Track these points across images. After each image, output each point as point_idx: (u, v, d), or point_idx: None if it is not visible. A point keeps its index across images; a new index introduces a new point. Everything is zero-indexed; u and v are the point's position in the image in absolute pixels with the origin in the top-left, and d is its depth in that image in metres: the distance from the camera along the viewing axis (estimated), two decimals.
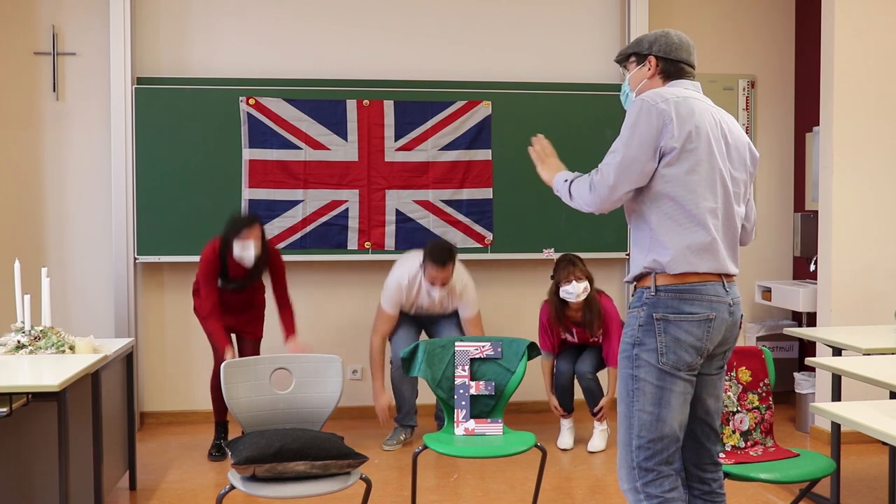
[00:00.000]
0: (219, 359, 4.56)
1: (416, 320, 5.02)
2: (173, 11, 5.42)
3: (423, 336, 5.09)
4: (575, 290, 4.69)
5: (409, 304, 4.90)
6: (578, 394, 4.98)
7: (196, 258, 5.20)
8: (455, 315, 5.00)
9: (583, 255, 5.01)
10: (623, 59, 2.85)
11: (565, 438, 4.96)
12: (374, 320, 4.97)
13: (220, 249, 4.56)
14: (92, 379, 3.70)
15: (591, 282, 4.78)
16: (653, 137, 2.62)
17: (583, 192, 2.78)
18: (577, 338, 4.90)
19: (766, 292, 5.74)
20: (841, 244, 5.01)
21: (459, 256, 5.06)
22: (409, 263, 4.88)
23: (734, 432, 3.40)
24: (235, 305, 4.72)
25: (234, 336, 4.76)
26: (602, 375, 4.94)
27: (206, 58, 5.44)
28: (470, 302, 4.92)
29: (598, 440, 4.93)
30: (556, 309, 4.82)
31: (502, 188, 5.51)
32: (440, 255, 4.68)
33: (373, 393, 4.93)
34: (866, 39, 5.00)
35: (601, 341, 4.88)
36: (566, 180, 2.87)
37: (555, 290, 4.80)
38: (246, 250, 4.50)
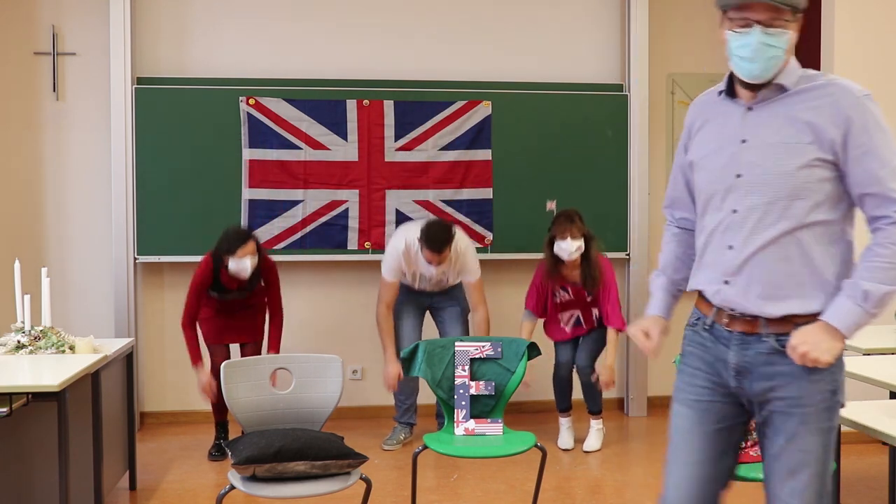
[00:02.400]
0: (217, 360, 4.57)
1: (420, 306, 4.99)
2: (173, 11, 5.42)
3: (428, 322, 5.08)
4: (568, 248, 4.63)
5: (410, 273, 4.85)
6: (577, 393, 4.99)
7: (196, 258, 5.21)
8: (459, 304, 4.98)
9: None
10: (787, 6, 2.06)
11: (565, 438, 4.95)
12: (378, 291, 4.92)
13: (213, 264, 4.54)
14: (92, 379, 3.70)
15: (589, 240, 4.69)
16: None
17: None
18: (571, 294, 4.82)
19: None
20: None
21: None
22: (409, 232, 4.82)
23: None
24: (235, 307, 4.71)
25: (234, 346, 4.77)
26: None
27: (206, 58, 5.44)
28: (469, 268, 4.84)
29: (593, 440, 4.92)
30: (549, 263, 4.75)
31: (502, 188, 5.51)
32: (436, 241, 4.58)
33: (384, 361, 4.89)
34: (866, 40, 5.00)
35: (596, 297, 4.81)
36: (866, 285, 2.05)
37: (549, 244, 4.73)
38: (241, 267, 4.47)
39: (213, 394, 4.58)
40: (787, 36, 2.07)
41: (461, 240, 4.81)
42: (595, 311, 4.86)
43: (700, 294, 2.29)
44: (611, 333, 4.81)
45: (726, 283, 2.16)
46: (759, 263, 2.12)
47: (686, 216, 2.44)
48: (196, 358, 4.57)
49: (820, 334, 2.05)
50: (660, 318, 2.47)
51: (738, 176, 2.14)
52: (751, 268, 2.13)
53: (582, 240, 4.66)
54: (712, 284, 2.21)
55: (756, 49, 2.06)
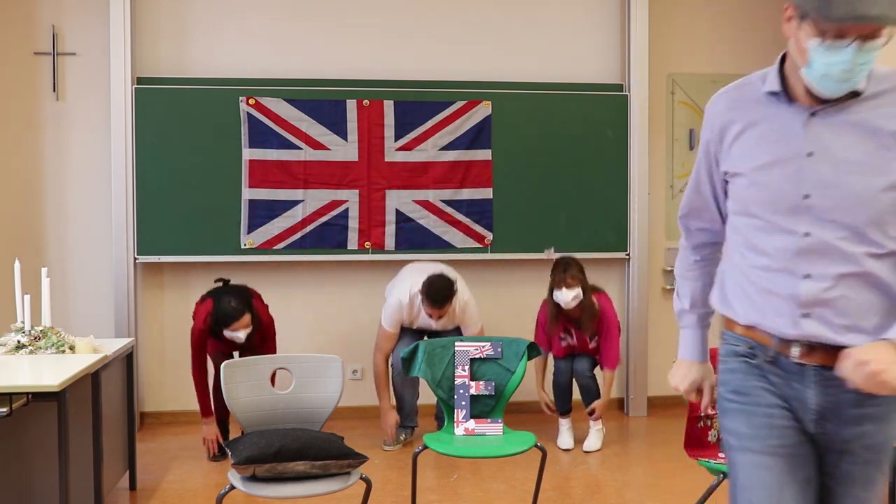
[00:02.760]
0: (217, 361, 4.57)
1: (418, 330, 5.01)
2: (173, 11, 5.42)
3: None
4: (564, 298, 4.72)
5: (410, 321, 4.89)
6: (576, 393, 4.99)
7: (196, 258, 5.22)
8: (457, 330, 4.99)
9: (583, 256, 5.02)
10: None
11: (565, 438, 4.95)
12: (375, 339, 4.96)
13: (212, 327, 4.50)
14: (92, 379, 3.69)
15: (585, 286, 4.77)
16: None
17: None
18: (575, 340, 4.90)
19: None
20: None
21: (459, 256, 5.07)
22: (409, 281, 4.85)
23: None
24: (233, 347, 4.71)
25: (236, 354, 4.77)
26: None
27: (206, 58, 5.44)
28: (471, 321, 4.89)
29: (593, 439, 4.93)
30: (551, 309, 4.84)
31: (502, 188, 5.51)
32: (438, 298, 4.65)
33: (379, 411, 4.93)
34: None
35: (598, 342, 4.88)
36: None
37: (549, 292, 4.82)
38: (235, 335, 4.47)
39: (213, 448, 4.67)
40: (880, 43, 1.77)
41: (463, 293, 4.84)
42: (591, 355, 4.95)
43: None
44: (607, 374, 4.89)
45: (806, 315, 1.87)
46: (843, 293, 1.85)
47: (705, 227, 2.18)
48: (206, 410, 4.62)
49: (892, 353, 1.76)
50: (701, 364, 2.24)
51: (807, 196, 1.86)
52: (835, 298, 1.85)
53: (579, 288, 4.73)
54: (784, 317, 1.90)
55: (850, 70, 1.76)
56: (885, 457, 1.94)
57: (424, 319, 4.83)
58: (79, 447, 3.51)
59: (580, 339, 4.90)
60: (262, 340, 4.66)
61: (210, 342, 4.62)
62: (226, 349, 4.67)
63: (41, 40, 5.35)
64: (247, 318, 4.45)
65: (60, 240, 5.42)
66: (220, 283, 4.72)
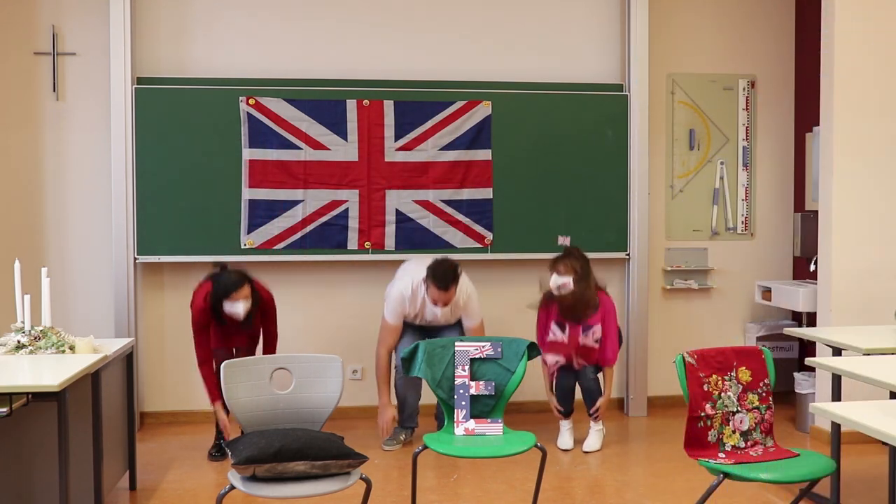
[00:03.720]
0: (217, 361, 4.57)
1: (419, 328, 5.01)
2: (173, 11, 5.42)
3: None
4: (555, 282, 4.74)
5: (413, 314, 4.89)
6: (577, 394, 4.99)
7: (195, 258, 5.21)
8: (458, 326, 4.99)
9: None
10: None
11: (565, 439, 4.95)
12: (378, 333, 4.95)
13: (212, 303, 4.52)
14: (92, 379, 3.70)
15: (582, 278, 4.75)
16: None
17: None
18: (567, 336, 4.84)
19: (766, 292, 5.74)
20: (841, 244, 5.01)
21: (459, 256, 5.07)
22: (412, 274, 4.86)
23: (734, 432, 3.40)
24: (233, 331, 4.69)
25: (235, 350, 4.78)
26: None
27: (206, 58, 5.44)
28: (473, 312, 4.91)
29: (593, 440, 4.92)
30: (546, 296, 4.85)
31: (502, 188, 5.50)
32: (443, 279, 4.65)
33: (378, 405, 4.94)
34: (866, 39, 4.99)
35: (592, 339, 4.84)
36: None
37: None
38: (234, 310, 4.48)
39: (227, 432, 4.63)
40: None
41: (466, 283, 4.86)
42: (578, 360, 4.85)
43: None
44: (607, 371, 4.90)
45: None
46: None
47: None
48: (215, 396, 4.59)
49: None
50: None
51: None
52: None
53: (570, 277, 4.73)
54: None
55: None
56: None
57: (429, 311, 4.83)
58: (79, 447, 3.51)
59: (572, 334, 4.83)
60: (263, 316, 4.68)
61: (213, 332, 4.62)
62: (226, 340, 4.66)
63: (41, 40, 5.35)
64: (246, 288, 4.49)
65: (60, 240, 5.42)
66: (218, 269, 4.73)
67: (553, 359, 4.87)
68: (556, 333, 4.86)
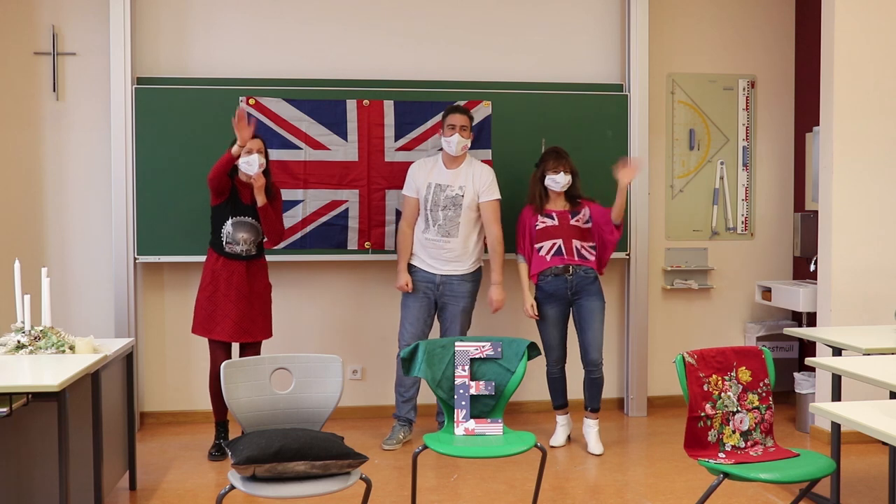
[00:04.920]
0: (217, 361, 4.57)
1: (427, 298, 4.96)
2: (173, 11, 5.42)
3: (433, 324, 5.09)
4: (561, 181, 4.88)
5: (425, 185, 4.94)
6: (574, 394, 4.99)
7: (195, 258, 5.21)
8: (464, 299, 4.96)
9: None
10: None
11: (559, 435, 4.95)
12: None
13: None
14: (92, 379, 3.70)
15: (576, 175, 4.95)
16: None
17: None
18: (556, 219, 4.92)
19: (766, 292, 5.74)
20: (841, 244, 5.01)
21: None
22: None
23: (734, 432, 3.40)
24: (242, 291, 4.65)
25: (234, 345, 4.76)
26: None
27: (206, 58, 5.44)
28: (490, 183, 5.00)
29: (594, 441, 4.89)
30: (538, 195, 4.95)
31: (502, 188, 5.49)
32: (459, 107, 5.00)
33: (396, 271, 5.04)
34: (866, 39, 5.00)
35: (590, 218, 4.95)
36: None
37: (539, 178, 4.94)
38: (250, 161, 4.54)
39: (244, 119, 4.50)
40: None
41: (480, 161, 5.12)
42: (576, 244, 4.91)
43: None
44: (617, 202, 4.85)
45: None
46: None
47: None
48: (226, 154, 4.53)
49: None
50: None
51: None
52: None
53: (571, 175, 4.93)
54: None
55: None
56: None
57: (440, 173, 4.96)
58: (79, 447, 3.51)
59: (562, 218, 4.92)
60: (271, 198, 4.72)
61: (212, 299, 4.64)
62: (239, 209, 4.68)
63: (41, 40, 5.35)
64: (258, 141, 4.62)
65: (60, 240, 5.42)
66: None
67: (549, 244, 4.94)
68: (545, 222, 4.96)
